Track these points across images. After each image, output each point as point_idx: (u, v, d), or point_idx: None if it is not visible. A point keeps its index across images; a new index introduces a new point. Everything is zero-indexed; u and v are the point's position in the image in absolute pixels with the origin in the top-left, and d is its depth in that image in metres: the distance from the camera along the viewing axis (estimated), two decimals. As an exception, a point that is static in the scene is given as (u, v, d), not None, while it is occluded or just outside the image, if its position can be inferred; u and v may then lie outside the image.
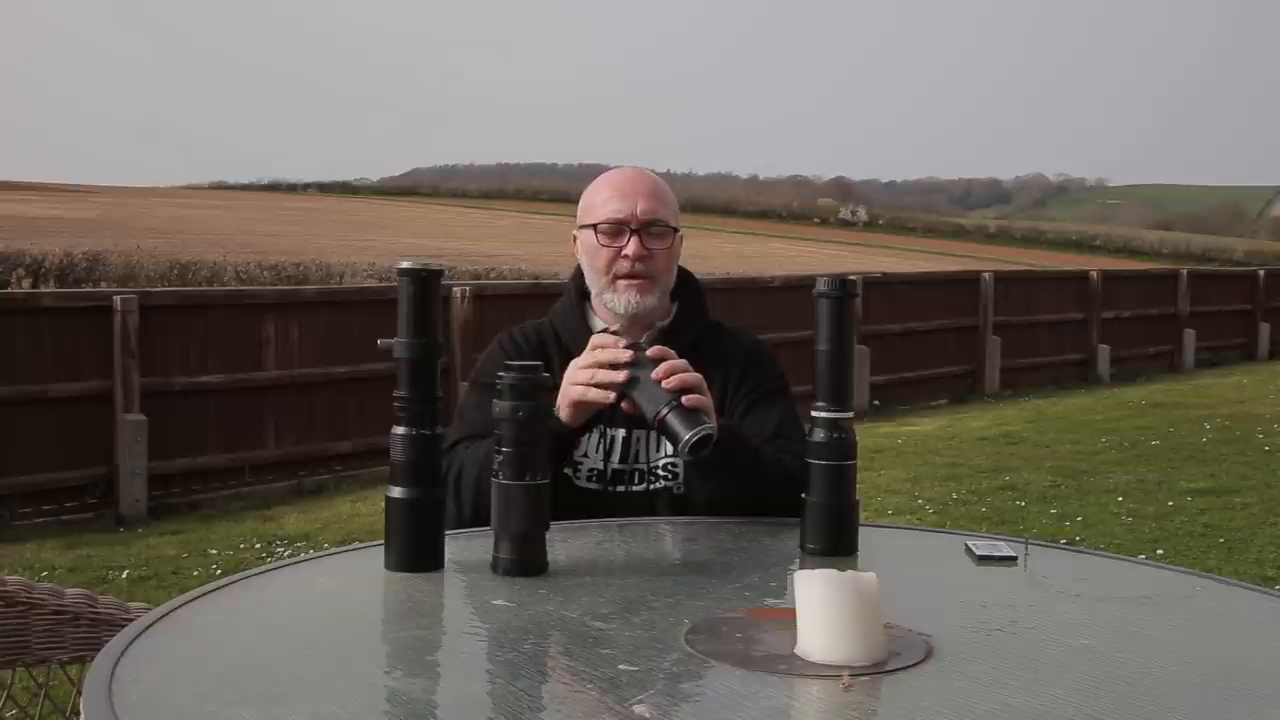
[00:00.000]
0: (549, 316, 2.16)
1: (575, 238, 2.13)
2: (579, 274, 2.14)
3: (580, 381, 1.82)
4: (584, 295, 2.13)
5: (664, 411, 1.74)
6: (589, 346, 1.85)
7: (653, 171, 2.15)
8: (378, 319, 6.85)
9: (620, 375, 1.79)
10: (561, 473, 1.95)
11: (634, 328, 2.06)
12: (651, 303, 2.05)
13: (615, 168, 2.16)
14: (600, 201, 2.06)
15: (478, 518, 1.79)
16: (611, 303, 2.04)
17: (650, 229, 2.03)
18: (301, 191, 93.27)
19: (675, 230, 2.08)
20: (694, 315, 2.12)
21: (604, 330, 2.00)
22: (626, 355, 1.80)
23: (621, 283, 2.03)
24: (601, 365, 1.81)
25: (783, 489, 1.84)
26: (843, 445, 1.70)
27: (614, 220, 2.03)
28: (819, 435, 1.70)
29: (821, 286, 1.73)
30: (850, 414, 1.72)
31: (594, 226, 2.04)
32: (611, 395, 1.80)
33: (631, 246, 2.02)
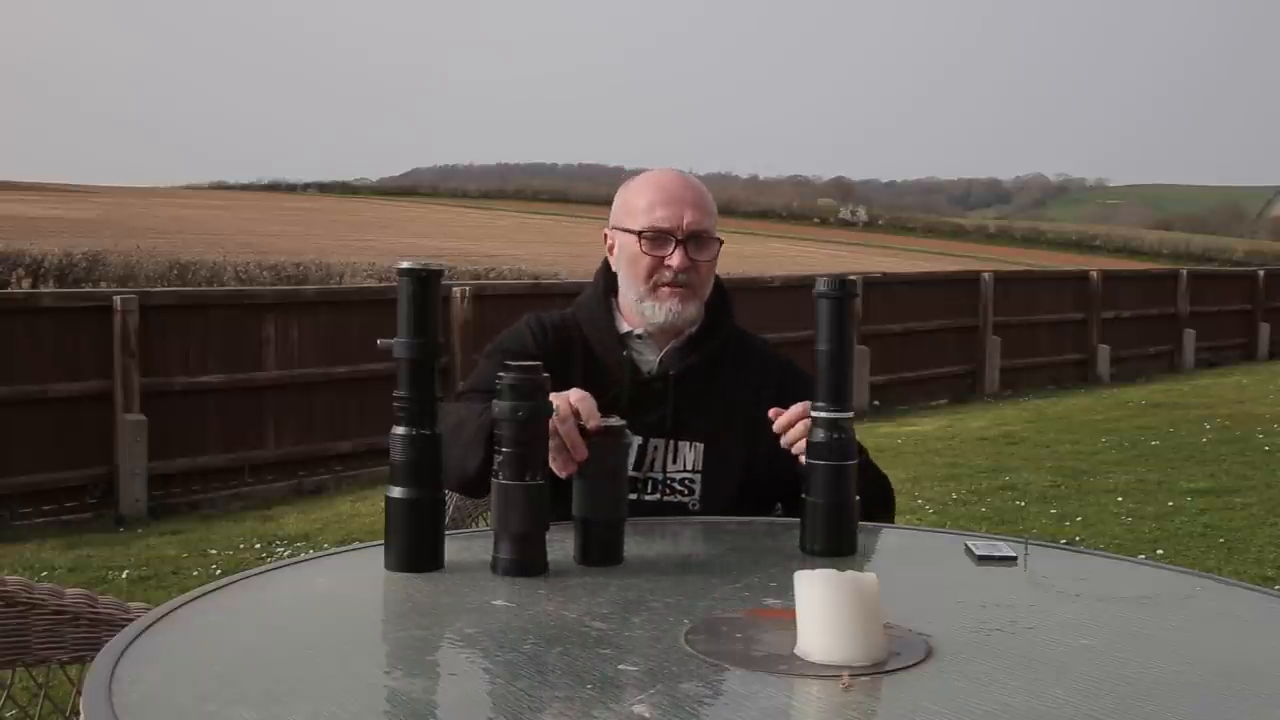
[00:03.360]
0: (573, 309, 2.10)
1: (608, 235, 2.07)
2: (605, 271, 2.09)
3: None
4: (609, 291, 2.08)
5: (579, 519, 1.62)
6: (575, 398, 1.65)
7: (691, 174, 2.11)
8: (378, 319, 6.85)
9: (568, 469, 1.63)
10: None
11: (663, 334, 2.03)
12: (691, 313, 2.02)
13: (655, 168, 2.11)
14: (645, 207, 2.00)
15: (460, 476, 1.75)
16: (651, 311, 2.00)
17: (695, 240, 1.99)
18: (301, 191, 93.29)
19: (719, 241, 2.04)
20: (721, 321, 2.08)
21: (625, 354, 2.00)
22: (583, 454, 1.61)
23: (664, 290, 1.99)
24: (567, 437, 1.62)
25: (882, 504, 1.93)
26: (843, 445, 1.70)
27: (660, 229, 1.98)
28: (819, 435, 1.70)
29: (821, 287, 1.72)
30: (850, 414, 1.71)
31: (639, 234, 1.98)
32: (561, 473, 1.63)
33: (676, 258, 1.97)
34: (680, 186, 2.02)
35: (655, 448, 1.97)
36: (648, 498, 1.96)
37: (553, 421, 1.59)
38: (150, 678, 1.20)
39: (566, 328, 2.06)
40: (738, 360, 2.07)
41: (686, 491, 1.99)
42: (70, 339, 6.76)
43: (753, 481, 2.02)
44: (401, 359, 1.57)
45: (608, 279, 2.08)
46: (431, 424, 1.57)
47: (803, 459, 1.72)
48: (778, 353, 2.16)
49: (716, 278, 2.11)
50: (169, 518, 6.82)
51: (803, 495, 1.72)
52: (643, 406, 1.94)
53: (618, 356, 2.01)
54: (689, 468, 1.99)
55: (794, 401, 1.97)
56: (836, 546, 1.70)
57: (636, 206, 2.01)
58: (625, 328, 2.05)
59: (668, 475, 1.98)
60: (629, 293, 2.03)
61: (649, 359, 2.03)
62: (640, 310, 2.01)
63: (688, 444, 2.00)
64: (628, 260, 2.01)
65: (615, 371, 2.00)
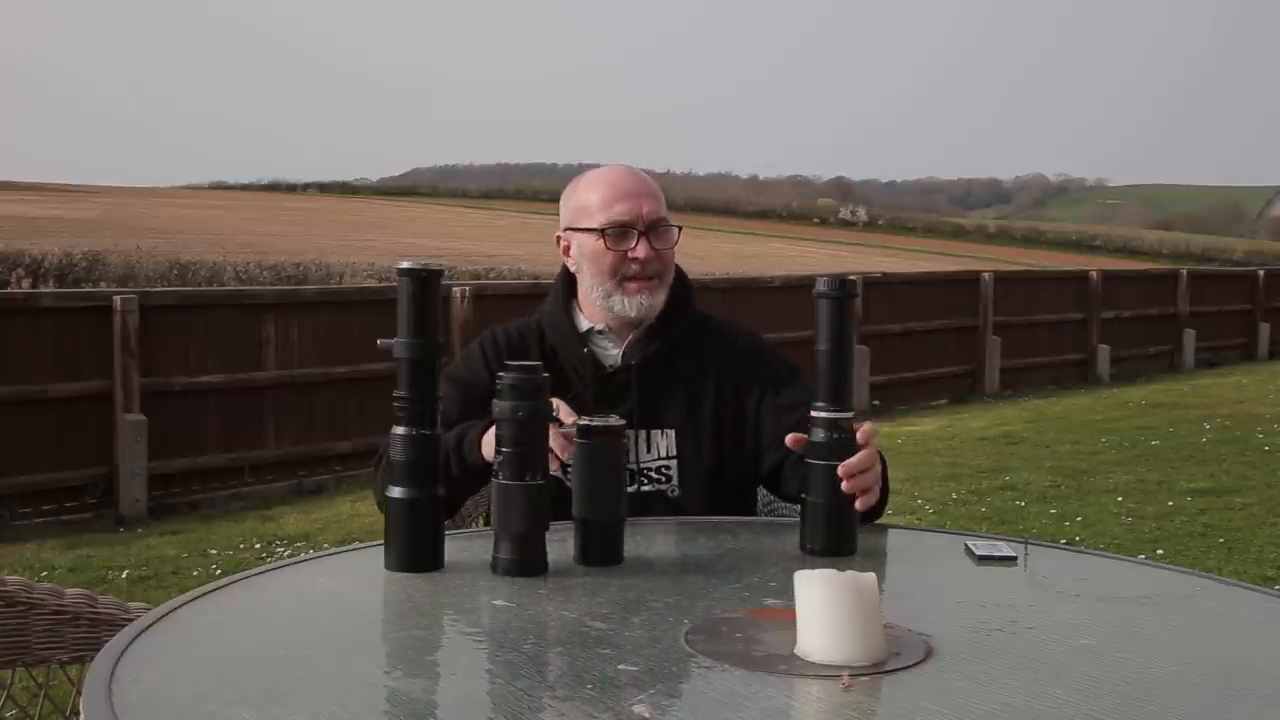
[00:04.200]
0: (537, 316, 2.12)
1: (561, 239, 2.09)
2: (565, 274, 2.11)
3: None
4: (569, 294, 2.10)
5: (579, 519, 1.62)
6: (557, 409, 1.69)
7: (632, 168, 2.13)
8: (378, 319, 6.84)
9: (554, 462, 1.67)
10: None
11: (624, 327, 2.05)
12: (661, 302, 2.03)
13: (599, 166, 2.13)
14: (600, 204, 2.02)
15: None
16: (621, 306, 2.01)
17: (656, 229, 2.01)
18: (301, 191, 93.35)
19: (678, 228, 2.07)
20: (681, 309, 2.09)
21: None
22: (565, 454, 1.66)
23: (631, 285, 2.00)
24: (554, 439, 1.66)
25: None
26: (843, 445, 1.70)
27: (620, 223, 1.99)
28: (819, 435, 1.70)
29: (821, 287, 1.72)
30: (850, 414, 1.71)
31: (601, 231, 2.00)
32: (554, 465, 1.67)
33: (642, 249, 1.99)
34: (632, 180, 2.05)
35: (627, 438, 1.98)
36: (626, 489, 1.98)
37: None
38: (150, 678, 1.20)
39: (524, 336, 2.09)
40: (701, 347, 2.08)
41: (664, 479, 2.01)
42: (70, 339, 6.76)
43: (729, 465, 2.03)
44: (401, 359, 1.57)
45: (566, 282, 2.11)
46: (431, 424, 1.57)
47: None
48: (745, 334, 2.16)
49: (676, 266, 2.12)
50: (169, 518, 6.82)
51: (803, 495, 1.72)
52: (609, 401, 1.96)
53: (580, 354, 2.03)
54: (663, 455, 2.01)
55: (756, 384, 2.03)
56: (836, 546, 1.70)
57: (591, 205, 2.03)
58: (586, 325, 2.07)
59: (642, 465, 2.00)
60: (594, 291, 2.04)
61: (611, 353, 2.05)
62: (609, 306, 2.02)
63: (659, 432, 2.02)
64: (590, 258, 2.03)
65: (579, 370, 2.02)
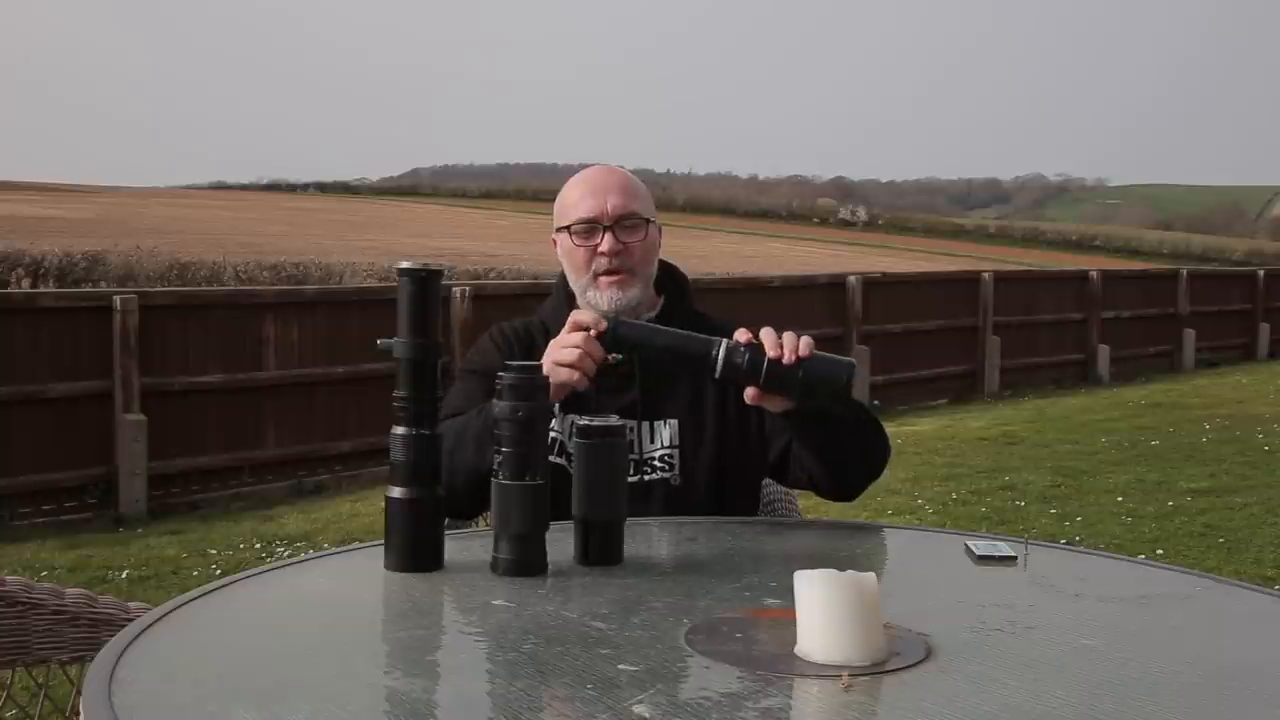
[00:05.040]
0: (538, 315, 2.17)
1: (555, 241, 2.14)
2: (563, 274, 2.15)
3: (565, 362, 1.82)
4: (572, 293, 2.14)
5: (579, 519, 1.63)
6: (568, 324, 1.86)
7: (623, 168, 2.16)
8: (378, 319, 6.84)
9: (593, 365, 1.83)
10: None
11: None
12: (635, 295, 2.06)
13: (587, 166, 2.17)
14: (572, 203, 2.07)
15: (473, 473, 1.77)
16: (595, 300, 2.05)
17: (623, 223, 2.04)
18: (301, 191, 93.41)
19: (649, 222, 2.08)
20: (679, 306, 2.13)
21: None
22: (599, 353, 1.83)
23: (603, 279, 2.04)
24: (585, 350, 1.82)
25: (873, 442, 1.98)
26: (756, 359, 1.79)
27: (586, 220, 2.04)
28: (739, 368, 1.78)
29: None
30: (727, 339, 1.80)
31: (568, 229, 2.06)
32: (586, 381, 1.83)
33: (606, 243, 2.03)
34: (603, 176, 2.10)
35: (630, 429, 1.99)
36: (630, 479, 1.98)
37: (568, 340, 1.82)
38: (150, 678, 1.20)
39: (530, 332, 2.13)
40: None
41: (667, 468, 2.02)
42: (70, 339, 6.77)
43: (733, 454, 2.04)
44: (401, 359, 1.57)
45: (566, 281, 2.15)
46: (431, 424, 1.57)
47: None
48: (735, 324, 2.19)
49: (670, 264, 2.16)
50: (169, 518, 6.82)
51: (789, 411, 1.82)
52: (612, 392, 1.97)
53: None
54: (666, 444, 2.02)
55: None
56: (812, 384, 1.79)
57: (566, 205, 2.09)
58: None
59: (645, 454, 2.02)
60: (575, 288, 2.10)
61: None
62: (587, 300, 2.07)
63: (662, 422, 2.04)
64: (566, 256, 2.09)
65: None
